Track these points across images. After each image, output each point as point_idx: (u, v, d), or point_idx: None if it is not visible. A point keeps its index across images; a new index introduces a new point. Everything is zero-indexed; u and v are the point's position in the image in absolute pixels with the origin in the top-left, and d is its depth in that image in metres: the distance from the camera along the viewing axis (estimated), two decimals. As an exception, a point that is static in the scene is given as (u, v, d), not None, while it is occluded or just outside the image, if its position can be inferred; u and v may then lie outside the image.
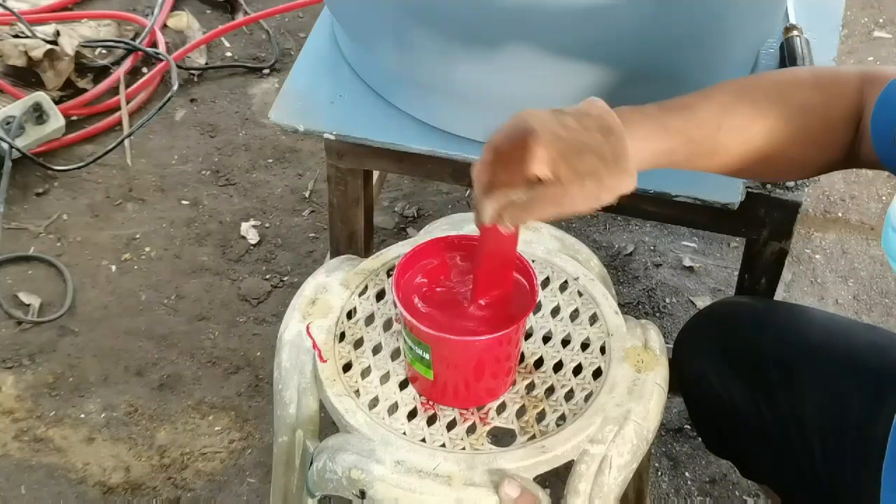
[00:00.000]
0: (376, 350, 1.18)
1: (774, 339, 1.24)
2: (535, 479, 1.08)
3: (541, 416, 1.12)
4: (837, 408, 1.17)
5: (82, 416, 1.74)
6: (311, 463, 1.13)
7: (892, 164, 1.05)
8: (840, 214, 2.06)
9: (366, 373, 1.15)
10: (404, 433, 1.10)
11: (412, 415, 1.12)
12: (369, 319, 1.20)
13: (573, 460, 1.10)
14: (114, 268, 1.95)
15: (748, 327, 1.27)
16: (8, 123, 2.04)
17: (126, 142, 2.14)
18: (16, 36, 2.24)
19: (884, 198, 2.07)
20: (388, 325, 1.20)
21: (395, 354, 1.17)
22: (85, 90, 2.22)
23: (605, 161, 1.00)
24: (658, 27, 1.27)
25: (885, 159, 1.04)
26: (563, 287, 1.24)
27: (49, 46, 2.17)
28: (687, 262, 1.97)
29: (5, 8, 2.28)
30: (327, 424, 1.17)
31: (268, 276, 1.94)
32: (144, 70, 2.31)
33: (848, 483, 1.16)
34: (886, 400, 1.14)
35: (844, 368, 1.19)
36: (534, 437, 1.10)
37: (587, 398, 1.13)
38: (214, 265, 1.96)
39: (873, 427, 1.12)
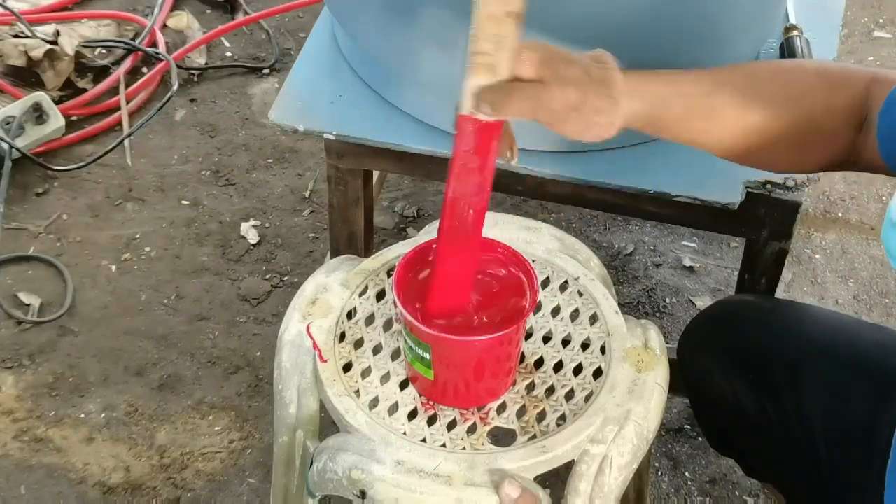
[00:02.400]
0: (376, 350, 1.18)
1: (779, 338, 1.24)
2: (535, 479, 1.08)
3: (541, 416, 1.12)
4: (842, 407, 1.17)
5: (82, 416, 1.74)
6: (312, 463, 1.13)
7: None
8: (840, 214, 2.06)
9: (366, 373, 1.15)
10: (405, 433, 1.10)
11: (412, 415, 1.12)
12: (369, 319, 1.20)
13: (573, 460, 1.10)
14: (114, 268, 1.95)
15: (753, 326, 1.27)
16: (8, 123, 2.04)
17: (126, 142, 2.14)
18: (16, 36, 2.24)
19: (884, 198, 2.07)
20: (388, 325, 1.20)
21: (396, 354, 1.17)
22: (85, 90, 2.22)
23: (590, 77, 1.02)
24: (658, 27, 1.27)
25: (891, 162, 1.04)
26: (564, 287, 1.24)
27: (49, 46, 2.17)
28: (687, 262, 1.97)
29: (5, 8, 2.28)
30: (327, 424, 1.17)
31: (268, 276, 1.94)
32: (144, 70, 2.31)
33: (852, 482, 1.16)
34: (892, 399, 1.14)
35: (850, 368, 1.19)
36: (534, 437, 1.10)
37: (587, 398, 1.13)
38: (214, 265, 1.96)
39: (878, 426, 1.12)
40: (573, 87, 1.01)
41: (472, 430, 1.11)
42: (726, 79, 1.09)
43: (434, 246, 1.09)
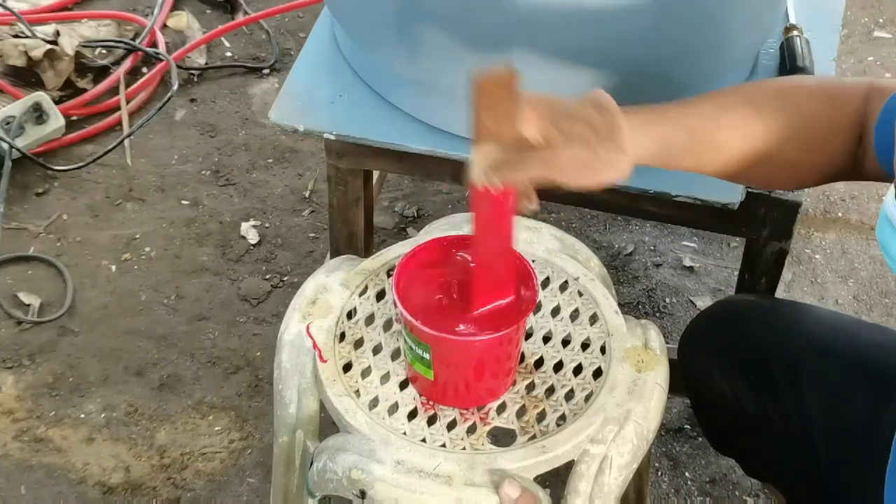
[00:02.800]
0: (376, 350, 1.18)
1: (779, 338, 1.24)
2: (535, 479, 1.08)
3: (541, 416, 1.12)
4: (842, 407, 1.17)
5: (82, 416, 1.74)
6: (312, 463, 1.13)
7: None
8: (840, 214, 2.06)
9: (366, 373, 1.15)
10: (404, 433, 1.10)
11: (412, 415, 1.12)
12: (369, 319, 1.20)
13: (573, 460, 1.10)
14: (114, 268, 1.95)
15: (753, 326, 1.27)
16: (8, 123, 2.04)
17: (126, 142, 2.14)
18: (16, 36, 2.24)
19: (884, 197, 2.07)
20: (388, 325, 1.20)
21: (396, 354, 1.17)
22: (85, 90, 2.22)
23: (597, 132, 1.01)
24: (658, 27, 1.27)
25: (890, 170, 1.04)
26: (564, 287, 1.24)
27: (49, 46, 2.17)
28: (687, 262, 1.97)
29: (5, 8, 2.28)
30: (327, 424, 1.17)
31: (268, 276, 1.94)
32: (144, 70, 2.31)
33: (852, 482, 1.16)
34: (892, 399, 1.14)
35: (850, 368, 1.19)
36: (534, 437, 1.10)
37: (587, 398, 1.13)
38: (214, 265, 1.96)
39: (878, 426, 1.12)
40: (581, 145, 1.01)
41: (472, 430, 1.11)
42: (729, 108, 1.08)
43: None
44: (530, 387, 1.15)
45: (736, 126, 1.07)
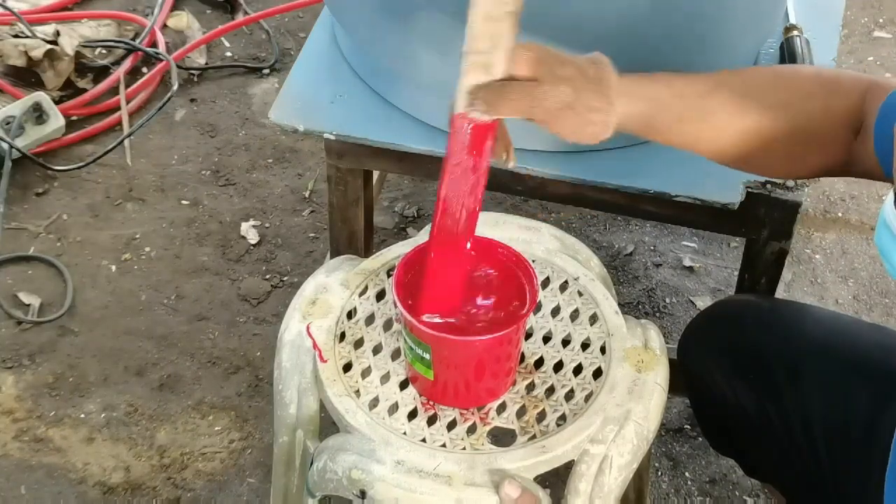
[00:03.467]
0: (376, 350, 1.18)
1: (780, 339, 1.24)
2: (535, 479, 1.08)
3: (541, 416, 1.12)
4: (843, 407, 1.17)
5: (82, 416, 1.74)
6: (312, 463, 1.13)
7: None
8: (840, 214, 2.06)
9: (366, 373, 1.15)
10: (405, 433, 1.10)
11: (412, 415, 1.12)
12: (369, 319, 1.20)
13: (573, 460, 1.10)
14: (114, 268, 1.95)
15: (754, 326, 1.27)
16: (8, 123, 2.04)
17: (126, 142, 2.14)
18: (16, 36, 2.24)
19: (884, 198, 2.07)
20: (388, 325, 1.20)
21: (396, 354, 1.17)
22: (85, 90, 2.22)
23: (585, 76, 1.02)
24: (657, 27, 1.27)
25: (887, 168, 1.04)
26: (564, 287, 1.24)
27: (49, 46, 2.17)
28: (687, 262, 1.97)
29: (5, 8, 2.28)
30: (327, 424, 1.17)
31: (268, 276, 1.94)
32: (144, 70, 2.31)
33: (852, 482, 1.16)
34: (892, 399, 1.14)
35: (850, 368, 1.19)
36: (534, 437, 1.10)
37: (587, 398, 1.13)
38: (214, 265, 1.96)
39: (879, 427, 1.12)
40: (568, 85, 1.01)
41: (472, 430, 1.11)
42: (722, 82, 1.09)
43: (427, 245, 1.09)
44: (530, 387, 1.15)
45: (728, 101, 1.07)
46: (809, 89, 1.09)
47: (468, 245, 1.09)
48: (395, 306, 1.17)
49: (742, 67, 1.14)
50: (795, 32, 1.50)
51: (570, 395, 1.14)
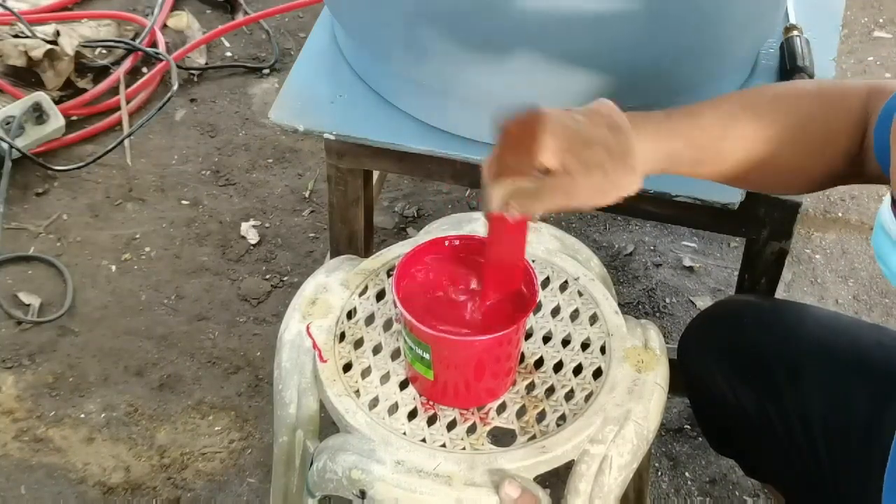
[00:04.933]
0: (376, 350, 1.18)
1: (780, 339, 1.24)
2: (535, 479, 1.08)
3: (541, 416, 1.12)
4: (843, 408, 1.17)
5: (82, 416, 1.74)
6: (312, 463, 1.13)
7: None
8: (840, 214, 2.06)
9: (366, 373, 1.15)
10: (404, 433, 1.10)
11: (412, 415, 1.12)
12: (369, 319, 1.20)
13: (573, 460, 1.10)
14: (114, 268, 1.95)
15: (754, 326, 1.27)
16: (8, 123, 2.04)
17: (126, 142, 2.14)
18: (16, 36, 2.24)
19: (884, 198, 2.07)
20: (388, 325, 1.20)
21: (396, 354, 1.17)
22: (85, 90, 2.22)
23: (612, 155, 1.02)
24: (658, 27, 1.27)
25: (887, 170, 1.04)
26: (564, 287, 1.24)
27: (49, 46, 2.17)
28: (687, 262, 1.97)
29: (5, 8, 2.28)
30: (327, 424, 1.17)
31: (268, 276, 1.94)
32: (144, 70, 2.31)
33: (852, 482, 1.16)
34: (892, 400, 1.14)
35: (850, 368, 1.19)
36: (534, 437, 1.10)
37: (587, 398, 1.13)
38: (214, 265, 1.96)
39: (879, 427, 1.12)
40: (598, 171, 1.01)
41: (471, 430, 1.11)
42: (733, 119, 1.08)
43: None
44: (530, 387, 1.15)
45: (740, 137, 1.08)
46: (815, 111, 1.09)
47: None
48: (395, 306, 1.17)
49: (746, 92, 1.14)
50: (795, 32, 1.50)
51: (570, 395, 1.14)
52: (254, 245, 1.99)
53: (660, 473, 1.69)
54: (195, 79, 2.30)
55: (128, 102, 2.21)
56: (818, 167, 1.11)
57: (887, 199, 0.92)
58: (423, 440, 1.09)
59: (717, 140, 1.07)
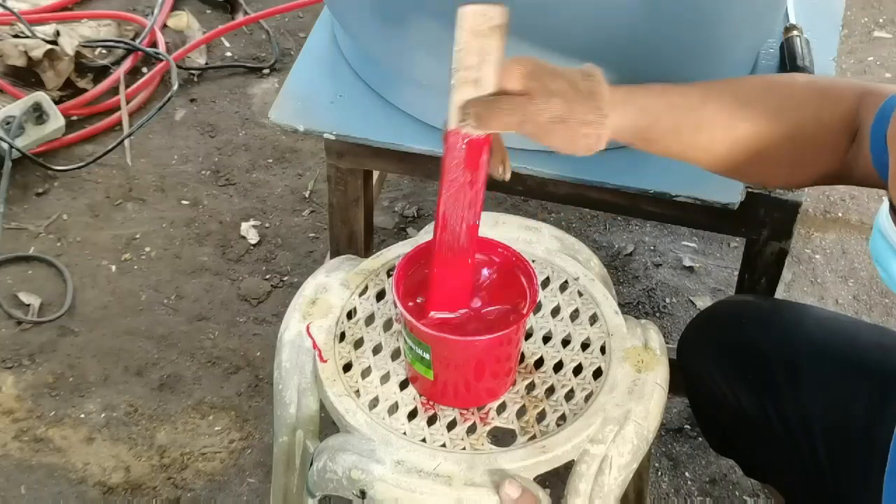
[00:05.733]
0: (376, 350, 1.18)
1: (780, 339, 1.24)
2: (535, 479, 1.08)
3: (541, 416, 1.12)
4: (842, 408, 1.17)
5: (82, 416, 1.74)
6: (312, 463, 1.13)
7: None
8: (840, 214, 2.06)
9: (366, 373, 1.15)
10: (404, 433, 1.10)
11: (412, 415, 1.12)
12: (369, 319, 1.20)
13: (573, 460, 1.10)
14: (114, 268, 1.95)
15: (753, 326, 1.27)
16: (8, 123, 2.04)
17: (126, 142, 2.14)
18: (16, 36, 2.24)
19: (884, 198, 2.07)
20: (388, 325, 1.20)
21: (396, 354, 1.17)
22: (85, 90, 2.22)
23: (577, 90, 1.02)
24: (657, 27, 1.27)
25: (884, 173, 1.04)
26: (564, 287, 1.24)
27: (49, 46, 2.17)
28: (687, 262, 1.97)
29: (5, 8, 2.28)
30: (327, 424, 1.17)
31: (268, 276, 1.94)
32: (144, 70, 2.31)
33: (852, 483, 1.16)
34: (892, 400, 1.14)
35: (850, 368, 1.19)
36: (534, 437, 1.10)
37: (587, 398, 1.13)
38: (214, 265, 1.96)
39: (878, 427, 1.12)
40: (559, 98, 1.01)
41: (471, 430, 1.11)
42: (716, 92, 1.08)
43: (430, 255, 1.10)
44: (530, 387, 1.15)
45: (722, 111, 1.07)
46: (802, 98, 1.09)
47: (470, 260, 1.09)
48: (395, 306, 1.17)
49: (736, 77, 1.14)
50: (795, 32, 1.50)
51: (570, 395, 1.14)
52: (254, 245, 1.99)
53: (660, 473, 1.69)
54: (195, 79, 2.30)
55: (128, 102, 2.21)
56: (807, 159, 1.10)
57: (885, 205, 0.92)
58: (423, 440, 1.09)
59: (696, 107, 1.07)
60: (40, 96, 2.08)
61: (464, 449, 1.09)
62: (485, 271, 1.14)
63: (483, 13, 0.98)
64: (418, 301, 1.10)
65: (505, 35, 0.99)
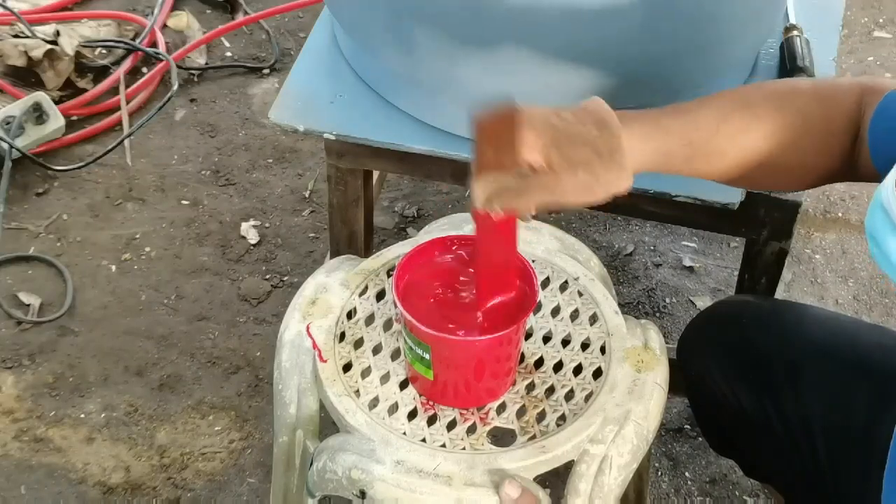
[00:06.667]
0: (376, 350, 1.18)
1: (779, 339, 1.24)
2: (535, 479, 1.08)
3: (541, 416, 1.12)
4: (842, 408, 1.17)
5: (82, 416, 1.74)
6: (311, 463, 1.13)
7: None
8: (840, 214, 2.06)
9: (366, 373, 1.15)
10: (404, 433, 1.10)
11: (412, 415, 1.12)
12: (369, 319, 1.20)
13: (573, 460, 1.10)
14: (114, 268, 1.95)
15: (753, 326, 1.27)
16: (8, 123, 2.04)
17: (126, 142, 2.14)
18: (16, 36, 2.24)
19: (888, 176, 2.07)
20: (388, 325, 1.20)
21: (396, 354, 1.17)
22: (85, 90, 2.22)
23: (598, 153, 1.00)
24: (658, 27, 1.27)
25: (881, 168, 1.04)
26: (564, 287, 1.24)
27: (49, 46, 2.17)
28: (687, 262, 1.97)
29: (5, 8, 2.28)
30: (327, 424, 1.17)
31: (268, 276, 1.94)
32: (144, 70, 2.31)
33: (851, 483, 1.16)
34: (891, 400, 1.14)
35: (850, 368, 1.19)
36: (534, 437, 1.10)
37: (587, 398, 1.13)
38: (214, 265, 1.96)
39: (878, 427, 1.12)
40: (585, 170, 1.00)
41: (471, 430, 1.11)
42: (727, 117, 1.07)
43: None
44: (530, 387, 1.15)
45: (734, 135, 1.07)
46: (808, 108, 1.09)
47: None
48: (395, 306, 1.17)
49: (742, 89, 1.13)
50: (795, 32, 1.50)
51: (569, 395, 1.14)
52: (254, 245, 1.99)
53: (660, 473, 1.69)
54: (195, 79, 2.30)
55: (128, 102, 2.21)
56: (814, 164, 1.11)
57: (891, 178, 0.91)
58: (423, 440, 1.09)
59: (710, 137, 1.07)
60: (40, 96, 2.08)
61: (464, 449, 1.09)
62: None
63: (496, 114, 0.98)
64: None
65: (519, 123, 0.98)
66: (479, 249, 1.08)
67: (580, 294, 1.23)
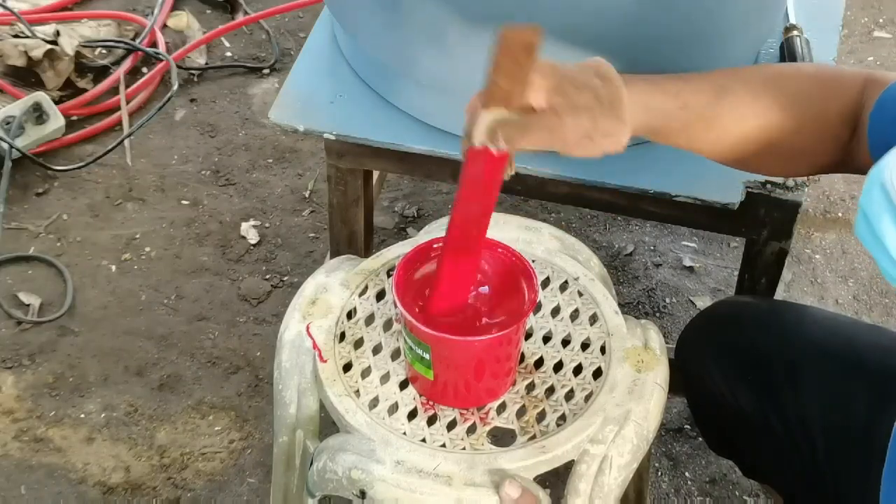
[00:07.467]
0: (376, 350, 1.18)
1: (778, 339, 1.24)
2: (535, 479, 1.08)
3: (541, 416, 1.12)
4: (841, 408, 1.17)
5: (82, 416, 1.74)
6: (311, 463, 1.13)
7: None
8: (840, 214, 2.06)
9: (366, 373, 1.15)
10: (404, 433, 1.10)
11: (412, 415, 1.12)
12: (369, 319, 1.20)
13: (573, 460, 1.10)
14: (114, 268, 1.95)
15: (752, 327, 1.27)
16: (8, 123, 2.04)
17: (126, 142, 2.14)
18: (16, 36, 2.24)
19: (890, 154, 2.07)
20: (388, 325, 1.20)
21: (396, 354, 1.17)
22: (85, 90, 2.22)
23: (600, 100, 1.03)
24: (657, 27, 1.27)
25: (878, 157, 1.04)
26: (564, 287, 1.24)
27: (49, 46, 2.17)
28: (687, 262, 1.97)
29: (5, 8, 2.28)
30: (327, 424, 1.17)
31: (268, 276, 1.94)
32: (144, 70, 2.31)
33: (850, 483, 1.16)
34: (890, 401, 1.14)
35: (849, 369, 1.19)
36: (534, 437, 1.10)
37: (587, 398, 1.13)
38: (214, 265, 1.96)
39: (877, 428, 1.12)
40: (586, 115, 1.03)
41: (471, 430, 1.11)
42: (729, 87, 1.09)
43: (437, 255, 1.10)
44: (530, 387, 1.15)
45: (733, 107, 1.08)
46: (810, 91, 1.09)
47: (477, 258, 1.10)
48: (395, 306, 1.17)
49: (745, 67, 1.14)
50: (795, 32, 1.50)
51: (570, 395, 1.14)
52: (254, 245, 1.99)
53: (660, 473, 1.69)
54: (195, 79, 2.30)
55: (128, 102, 2.21)
56: (811, 149, 1.11)
57: (892, 155, 0.90)
58: (423, 440, 1.09)
59: (709, 104, 1.08)
60: (40, 96, 2.08)
61: (464, 449, 1.09)
62: (485, 270, 1.14)
63: (520, 34, 0.98)
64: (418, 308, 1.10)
65: (537, 55, 0.99)
66: (459, 196, 1.06)
67: (580, 294, 1.23)
